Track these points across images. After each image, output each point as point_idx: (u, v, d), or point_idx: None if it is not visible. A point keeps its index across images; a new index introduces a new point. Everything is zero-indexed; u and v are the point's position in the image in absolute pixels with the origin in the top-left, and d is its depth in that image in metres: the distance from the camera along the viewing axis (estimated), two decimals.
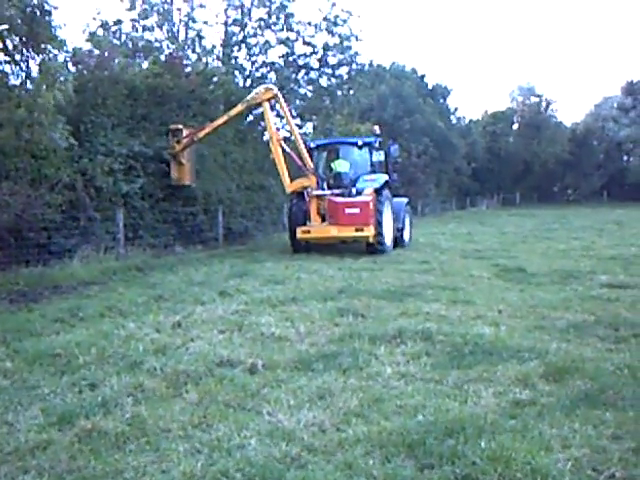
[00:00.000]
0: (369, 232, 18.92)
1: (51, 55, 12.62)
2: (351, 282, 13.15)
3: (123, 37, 26.75)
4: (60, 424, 5.38)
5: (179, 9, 28.17)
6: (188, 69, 23.21)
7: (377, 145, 21.66)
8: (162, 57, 25.36)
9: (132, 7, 27.49)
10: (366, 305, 10.53)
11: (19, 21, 12.61)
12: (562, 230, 30.03)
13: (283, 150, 20.15)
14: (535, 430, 5.09)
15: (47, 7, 12.62)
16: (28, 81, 13.66)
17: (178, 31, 28.21)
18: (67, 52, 13.29)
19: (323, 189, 20.45)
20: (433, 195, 50.48)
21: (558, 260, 17.06)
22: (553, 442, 4.89)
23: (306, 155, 20.48)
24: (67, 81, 12.94)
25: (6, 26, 12.81)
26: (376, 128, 23.06)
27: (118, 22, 26.10)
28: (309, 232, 19.53)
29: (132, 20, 27.69)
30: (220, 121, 20.77)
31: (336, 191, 19.97)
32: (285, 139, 20.89)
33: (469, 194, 59.99)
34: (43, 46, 12.60)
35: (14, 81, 14.43)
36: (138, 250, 18.34)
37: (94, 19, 27.05)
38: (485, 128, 65.79)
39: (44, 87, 12.61)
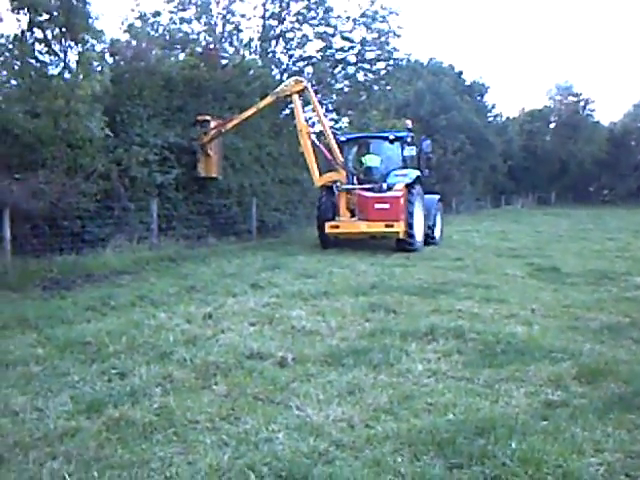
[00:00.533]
0: (399, 228, 18.50)
1: (89, 45, 12.63)
2: (384, 278, 13.09)
3: (160, 29, 26.78)
4: (88, 412, 5.38)
5: (217, 1, 28.17)
6: (224, 61, 23.23)
7: (409, 140, 21.04)
8: (198, 49, 25.43)
9: None
10: (398, 301, 10.46)
11: (57, 12, 12.69)
12: (597, 230, 29.62)
13: (313, 143, 19.86)
14: (567, 432, 4.99)
15: None
16: (66, 71, 13.72)
17: (216, 24, 28.23)
18: (105, 42, 13.29)
19: (353, 184, 20.06)
20: (468, 192, 50.14)
21: (593, 260, 16.84)
22: (585, 445, 4.78)
23: (336, 149, 20.13)
24: (104, 71, 12.98)
25: (46, 16, 12.91)
26: (408, 122, 22.65)
27: (156, 14, 26.14)
28: (338, 227, 19.15)
29: (170, 12, 27.79)
30: (249, 113, 20.44)
31: (366, 186, 19.57)
32: (318, 133, 20.95)
33: (504, 192, 59.52)
34: (81, 36, 12.63)
35: (52, 71, 14.58)
36: (171, 241, 18.41)
37: (132, 10, 27.20)
38: (522, 126, 65.22)
39: (81, 77, 12.66)
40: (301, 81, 20.45)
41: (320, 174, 19.89)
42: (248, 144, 22.85)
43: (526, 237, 25.57)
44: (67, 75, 13.72)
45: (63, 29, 12.89)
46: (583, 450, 4.70)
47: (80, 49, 12.79)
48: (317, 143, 20.14)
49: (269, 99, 20.26)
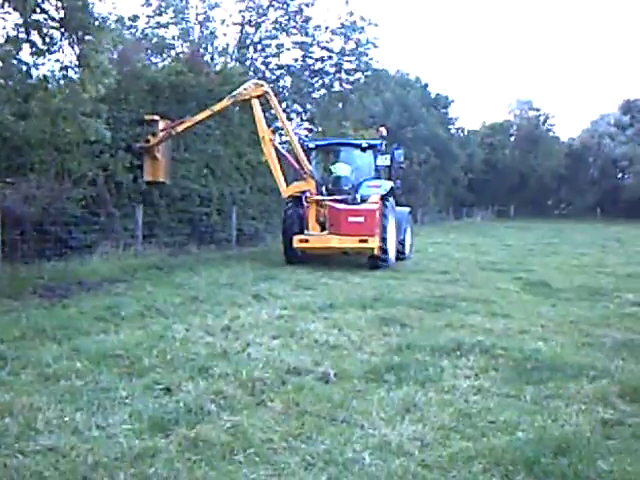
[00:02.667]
0: (374, 244, 17.16)
1: (95, 46, 12.44)
2: (383, 291, 13.06)
3: (137, 33, 26.50)
4: (153, 430, 5.23)
5: (195, 6, 28.02)
6: (206, 68, 23.03)
7: (382, 148, 19.88)
8: (173, 53, 25.32)
9: (148, 3, 27.32)
10: (406, 315, 10.45)
11: (57, 11, 12.49)
12: (564, 245, 30.09)
13: (277, 151, 18.64)
14: None
15: None
16: (66, 71, 13.50)
17: (192, 29, 28.06)
18: (108, 44, 13.07)
19: (322, 194, 18.60)
20: (432, 204, 50.57)
21: (577, 276, 16.99)
22: None
23: (303, 157, 18.66)
24: (107, 74, 12.81)
25: (44, 15, 12.68)
26: (383, 130, 21.19)
27: (134, 18, 25.87)
28: (307, 241, 17.58)
29: (148, 16, 27.54)
30: (202, 116, 18.91)
31: (338, 197, 18.19)
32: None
33: (464, 204, 60.13)
34: (86, 37, 12.45)
35: (39, 72, 14.34)
36: (154, 248, 18.17)
37: (110, 14, 26.85)
38: (483, 139, 65.95)
39: (86, 78, 12.47)
40: (261, 85, 19.27)
41: (287, 184, 18.87)
42: (229, 152, 22.67)
43: (499, 250, 25.91)
44: (71, 74, 13.47)
45: (63, 29, 12.65)
46: None
47: (84, 49, 12.54)
48: (282, 151, 18.95)
49: (225, 102, 19.00)
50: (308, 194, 18.21)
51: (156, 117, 18.61)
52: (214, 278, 14.50)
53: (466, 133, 61.77)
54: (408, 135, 43.94)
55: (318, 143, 20.79)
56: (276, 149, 18.58)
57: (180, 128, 18.84)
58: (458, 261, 20.37)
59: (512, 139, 72.30)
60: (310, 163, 19.12)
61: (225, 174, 22.40)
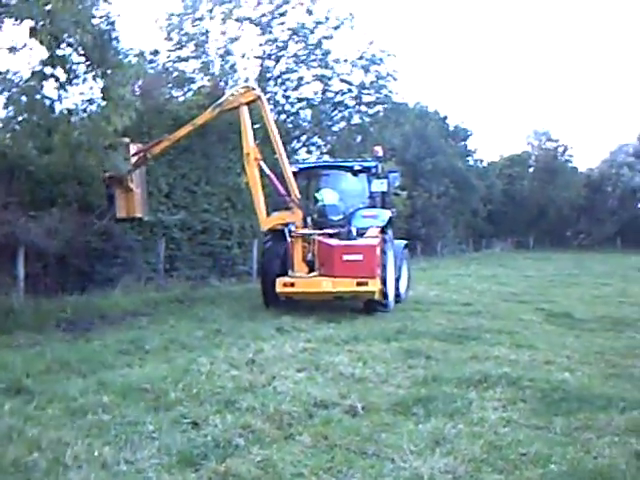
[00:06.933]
0: (374, 286, 14.17)
1: (118, 79, 12.60)
2: (405, 323, 12.92)
3: (158, 67, 26.71)
4: (182, 465, 5.22)
5: (215, 40, 28.20)
6: None
7: (379, 171, 16.83)
8: (194, 87, 25.47)
9: (169, 37, 27.56)
10: (430, 347, 10.40)
11: (82, 46, 12.63)
12: (585, 276, 29.76)
13: (262, 172, 15.73)
14: None
15: (114, 34, 12.68)
16: (86, 104, 13.65)
17: (213, 63, 28.24)
18: (130, 78, 13.22)
19: (306, 227, 15.58)
20: (451, 236, 50.46)
21: (599, 306, 16.88)
22: None
23: (293, 182, 15.55)
24: (130, 107, 12.93)
25: (70, 49, 12.83)
26: (378, 149, 17.58)
27: (155, 52, 26.10)
28: (292, 285, 14.53)
29: (168, 50, 27.76)
30: (183, 132, 16.43)
31: (329, 231, 15.31)
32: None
33: (484, 236, 59.93)
34: (109, 71, 12.60)
35: (62, 106, 14.50)
36: (176, 281, 18.26)
37: (131, 49, 27.16)
38: (501, 171, 65.84)
39: (108, 111, 12.61)
40: (252, 89, 16.58)
41: (267, 213, 15.71)
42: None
43: (520, 282, 25.58)
44: (92, 108, 13.60)
45: (88, 62, 12.80)
46: None
47: (107, 83, 12.69)
48: (268, 171, 15.80)
49: (210, 114, 16.31)
50: (293, 227, 15.28)
51: (126, 139, 15.50)
52: (236, 311, 14.49)
53: (485, 165, 61.71)
54: (427, 167, 43.90)
55: (301, 166, 17.65)
56: (261, 170, 15.69)
57: (157, 150, 16.46)
58: (479, 293, 20.22)
59: (530, 170, 72.11)
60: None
61: (246, 207, 22.40)
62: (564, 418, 6.64)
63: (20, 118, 14.63)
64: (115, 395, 7.11)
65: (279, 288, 14.47)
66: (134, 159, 15.94)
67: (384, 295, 14.83)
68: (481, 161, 61.12)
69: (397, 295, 16.27)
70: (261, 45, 28.50)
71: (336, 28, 28.23)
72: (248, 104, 15.92)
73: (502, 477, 5.11)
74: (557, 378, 8.23)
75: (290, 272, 14.87)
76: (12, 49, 12.52)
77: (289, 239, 15.12)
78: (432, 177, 44.36)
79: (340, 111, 29.81)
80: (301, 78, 28.97)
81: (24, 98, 13.37)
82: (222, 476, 4.92)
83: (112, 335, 11.22)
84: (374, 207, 16.33)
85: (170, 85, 25.49)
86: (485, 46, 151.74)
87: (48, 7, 11.72)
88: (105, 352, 9.61)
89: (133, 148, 16.01)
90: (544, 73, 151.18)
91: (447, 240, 49.06)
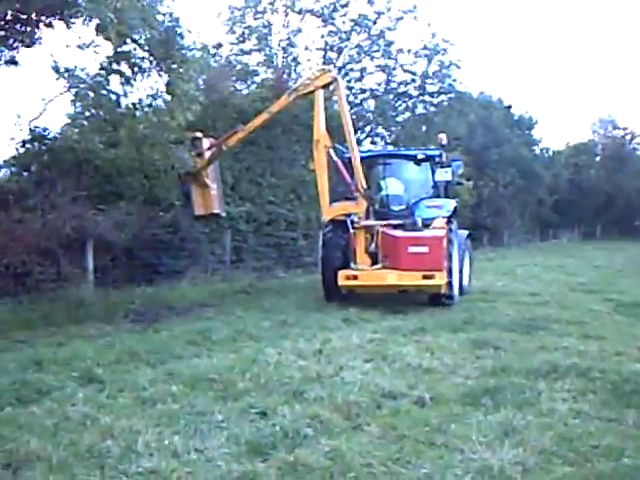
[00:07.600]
0: (441, 280, 13.66)
1: (183, 75, 12.72)
2: (473, 313, 12.82)
3: (222, 61, 26.90)
4: (251, 454, 5.23)
5: (277, 32, 28.37)
6: None
7: (443, 160, 16.10)
8: (257, 80, 25.57)
9: (232, 30, 27.77)
10: (498, 337, 10.22)
11: (147, 42, 12.78)
12: None
13: (330, 160, 15.03)
14: None
15: (179, 30, 12.79)
16: (154, 99, 13.81)
17: (276, 55, 28.38)
18: (195, 72, 13.34)
19: (368, 218, 15.03)
20: (517, 226, 49.82)
21: None
22: None
23: (360, 170, 14.72)
24: (194, 101, 13.04)
25: (134, 45, 12.99)
26: (442, 137, 16.79)
27: (218, 46, 26.32)
28: (356, 278, 14.00)
29: (231, 43, 27.97)
30: (258, 121, 16.08)
31: (393, 222, 14.83)
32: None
33: (550, 226, 59.04)
34: (174, 66, 12.72)
35: (127, 100, 14.72)
36: (242, 273, 18.38)
37: (194, 42, 27.40)
38: (567, 160, 64.72)
39: (173, 106, 12.74)
40: (329, 71, 15.98)
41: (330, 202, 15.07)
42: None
43: (587, 272, 25.03)
44: (158, 102, 13.77)
45: (152, 58, 12.94)
46: None
47: (172, 79, 12.82)
48: (335, 159, 15.00)
49: (285, 100, 15.91)
50: (356, 218, 14.67)
51: (198, 134, 15.88)
52: (302, 302, 14.54)
53: (550, 154, 60.69)
54: (493, 157, 43.37)
55: (363, 155, 16.27)
56: (329, 157, 15.02)
57: (233, 141, 16.15)
58: (547, 283, 19.86)
59: (597, 159, 70.77)
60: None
61: (311, 198, 22.41)
62: (637, 410, 6.47)
63: (87, 113, 14.98)
64: (184, 385, 7.18)
65: (342, 281, 14.03)
66: (208, 153, 15.89)
67: (450, 287, 14.26)
68: (547, 150, 60.04)
69: (460, 287, 15.50)
70: (323, 37, 28.52)
71: (399, 19, 28.13)
72: (324, 87, 15.47)
73: (573, 470, 4.99)
74: (628, 369, 8.00)
75: (352, 264, 14.35)
76: (80, 46, 12.76)
77: (351, 230, 14.59)
78: (498, 167, 43.82)
79: (404, 101, 29.75)
80: (364, 69, 29.01)
81: (91, 94, 13.63)
82: (291, 466, 4.91)
83: (180, 326, 11.35)
84: (438, 197, 15.90)
85: (234, 78, 25.61)
86: (547, 34, 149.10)
87: (117, 5, 11.88)
88: (173, 343, 9.71)
89: (206, 142, 15.95)
90: (607, 60, 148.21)
91: (513, 230, 48.46)
